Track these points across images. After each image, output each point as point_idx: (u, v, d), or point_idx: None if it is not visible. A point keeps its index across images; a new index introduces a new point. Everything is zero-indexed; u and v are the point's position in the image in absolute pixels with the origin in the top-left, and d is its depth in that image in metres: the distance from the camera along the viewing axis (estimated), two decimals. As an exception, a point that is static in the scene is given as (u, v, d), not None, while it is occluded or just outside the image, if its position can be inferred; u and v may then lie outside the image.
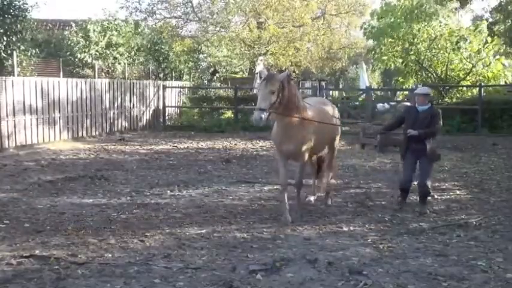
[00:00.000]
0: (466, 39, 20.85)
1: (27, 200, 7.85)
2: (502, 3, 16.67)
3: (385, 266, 5.04)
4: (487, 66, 20.82)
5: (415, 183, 7.50)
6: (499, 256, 5.37)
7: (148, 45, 21.59)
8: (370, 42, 24.63)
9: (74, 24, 20.38)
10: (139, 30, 20.99)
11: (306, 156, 6.83)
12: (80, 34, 19.28)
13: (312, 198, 7.77)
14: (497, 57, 20.96)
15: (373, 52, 24.09)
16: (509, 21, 16.48)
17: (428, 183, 7.29)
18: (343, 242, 5.85)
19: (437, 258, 5.30)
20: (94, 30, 19.07)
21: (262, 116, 6.02)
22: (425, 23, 21.19)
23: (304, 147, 6.66)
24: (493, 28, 20.64)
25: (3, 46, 14.96)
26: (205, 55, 25.65)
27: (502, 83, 21.00)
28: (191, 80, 24.27)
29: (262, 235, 6.14)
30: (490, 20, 20.24)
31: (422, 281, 4.69)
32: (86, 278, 4.75)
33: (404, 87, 23.29)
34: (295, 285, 4.62)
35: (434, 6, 20.73)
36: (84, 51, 18.70)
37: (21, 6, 15.43)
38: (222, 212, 7.26)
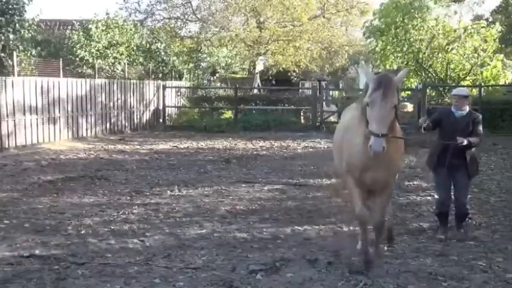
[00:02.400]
0: (461, 39, 20.85)
1: (27, 200, 7.85)
2: (503, 4, 16.71)
3: (385, 266, 5.04)
4: (487, 65, 20.81)
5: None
6: (499, 256, 5.37)
7: (148, 46, 21.59)
8: (371, 41, 24.59)
9: (76, 23, 20.39)
10: (137, 30, 20.97)
11: (393, 184, 5.25)
12: (81, 33, 19.28)
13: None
14: (497, 55, 20.94)
15: (373, 52, 24.08)
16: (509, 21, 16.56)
17: (467, 202, 6.22)
18: (343, 242, 5.85)
19: (437, 258, 5.30)
20: (96, 28, 19.08)
21: (385, 145, 4.34)
22: (421, 20, 21.17)
23: (396, 173, 5.16)
24: (492, 28, 20.62)
25: (1, 46, 14.96)
26: (205, 55, 25.66)
27: (502, 82, 21.00)
28: (191, 80, 24.26)
29: (262, 235, 6.14)
30: (490, 19, 20.22)
31: (422, 281, 4.69)
32: (86, 278, 4.75)
33: (404, 87, 23.26)
34: (295, 285, 4.62)
35: (427, 1, 20.72)
36: (85, 50, 18.70)
37: (20, 5, 15.42)
38: (222, 212, 7.26)
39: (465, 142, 5.68)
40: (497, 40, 20.45)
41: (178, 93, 21.81)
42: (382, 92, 4.35)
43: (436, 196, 6.28)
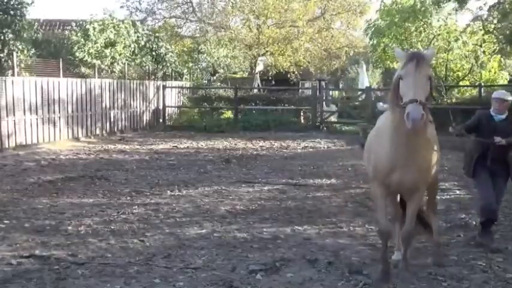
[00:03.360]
0: (460, 39, 20.85)
1: (27, 200, 7.85)
2: (500, 1, 16.69)
3: (385, 266, 5.03)
4: (485, 66, 20.83)
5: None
6: (499, 256, 5.37)
7: (147, 45, 21.58)
8: (371, 41, 24.59)
9: (74, 24, 20.38)
10: (136, 29, 20.96)
11: (424, 190, 4.85)
12: (79, 33, 19.27)
13: (398, 254, 5.18)
14: (495, 56, 20.95)
15: (373, 52, 24.08)
16: (507, 19, 16.51)
17: (499, 209, 5.89)
18: (343, 242, 5.85)
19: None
20: (93, 29, 19.08)
21: (423, 112, 3.92)
22: (422, 22, 21.20)
23: (429, 176, 4.65)
24: (490, 27, 20.62)
25: (0, 45, 14.96)
26: (205, 55, 25.66)
27: (500, 83, 21.00)
28: (191, 80, 24.26)
29: (262, 235, 6.14)
30: (488, 18, 20.20)
31: (422, 281, 4.69)
32: (86, 278, 4.75)
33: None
34: (295, 285, 4.62)
35: (429, 7, 20.74)
36: (83, 50, 18.70)
37: (19, 5, 15.42)
38: (222, 212, 7.26)
39: (503, 142, 5.43)
40: (496, 41, 20.44)
41: (180, 93, 21.81)
42: (416, 61, 4.09)
43: (481, 203, 5.75)
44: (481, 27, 20.26)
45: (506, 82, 21.09)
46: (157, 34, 23.38)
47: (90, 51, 18.64)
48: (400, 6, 21.85)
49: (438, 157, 4.70)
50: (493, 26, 17.88)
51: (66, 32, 20.43)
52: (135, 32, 20.49)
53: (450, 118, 5.99)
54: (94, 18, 19.69)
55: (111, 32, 19.40)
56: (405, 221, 4.74)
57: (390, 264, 4.84)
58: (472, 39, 20.94)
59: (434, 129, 4.78)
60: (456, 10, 19.14)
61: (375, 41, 23.39)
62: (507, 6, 16.13)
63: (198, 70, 25.12)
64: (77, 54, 18.41)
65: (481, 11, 19.88)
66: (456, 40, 20.82)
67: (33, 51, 16.44)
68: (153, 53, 21.71)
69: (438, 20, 21.18)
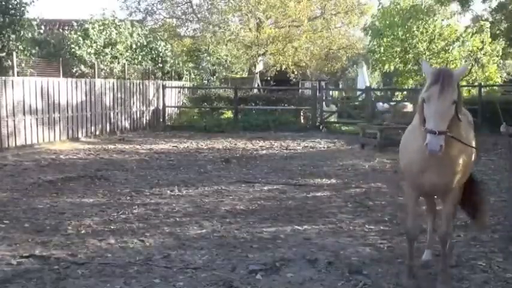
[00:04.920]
0: (462, 40, 20.88)
1: (27, 200, 7.84)
2: (503, 3, 16.71)
3: (385, 266, 5.04)
4: (485, 66, 20.85)
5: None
6: (499, 256, 5.37)
7: (146, 45, 21.58)
8: (371, 42, 24.62)
9: (75, 24, 20.38)
10: (134, 29, 20.97)
11: (459, 189, 4.69)
12: (79, 33, 19.27)
13: (428, 253, 5.22)
14: (494, 58, 20.99)
15: (373, 53, 24.11)
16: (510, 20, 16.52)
17: None
18: (343, 242, 5.85)
19: (437, 258, 5.29)
20: (93, 28, 19.08)
21: (442, 144, 3.88)
22: (423, 22, 21.21)
23: (460, 178, 4.51)
24: (492, 28, 20.66)
25: (1, 46, 14.96)
26: (205, 54, 25.66)
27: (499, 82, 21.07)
28: (191, 80, 24.27)
29: (262, 235, 6.14)
30: (490, 19, 20.23)
31: (422, 281, 4.69)
32: (86, 278, 4.75)
33: (404, 87, 23.29)
34: (295, 285, 4.62)
35: (432, 6, 20.75)
36: (83, 50, 18.69)
37: (21, 6, 15.42)
38: (222, 212, 7.26)
39: None
40: (496, 41, 20.48)
41: (181, 93, 21.82)
42: (440, 85, 3.93)
43: None
44: (482, 29, 20.29)
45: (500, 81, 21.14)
46: (156, 34, 23.39)
47: (89, 50, 18.63)
48: (399, 6, 21.89)
49: (469, 153, 4.51)
50: (496, 28, 17.92)
51: (66, 32, 20.40)
52: (132, 32, 20.48)
53: (499, 116, 5.77)
54: (94, 18, 19.71)
55: (111, 31, 19.40)
56: (441, 223, 4.64)
57: (415, 263, 4.79)
58: (473, 41, 20.96)
59: (471, 122, 4.61)
60: (460, 13, 19.18)
61: (374, 42, 23.44)
62: (510, 7, 16.16)
63: (199, 69, 25.11)
64: (77, 52, 18.40)
65: (484, 13, 19.93)
66: (456, 40, 20.86)
67: (32, 51, 16.42)
68: (153, 53, 21.70)
69: (442, 20, 21.20)
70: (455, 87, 4.01)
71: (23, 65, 15.55)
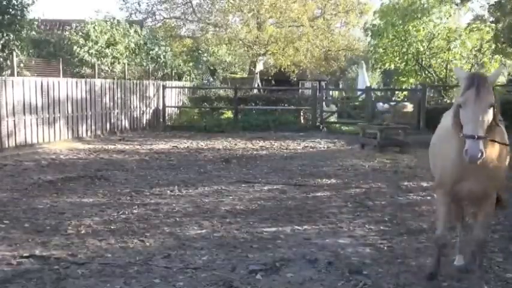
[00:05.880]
0: (458, 39, 20.86)
1: (27, 200, 7.84)
2: (502, 1, 16.68)
3: (385, 266, 5.04)
4: (485, 66, 20.83)
5: None
6: (499, 256, 5.37)
7: (146, 45, 21.59)
8: (370, 42, 24.62)
9: (74, 25, 20.40)
10: (134, 30, 20.98)
11: (494, 197, 4.47)
12: (80, 33, 19.28)
13: (461, 258, 5.04)
14: (496, 57, 20.97)
15: (373, 53, 24.10)
16: (508, 19, 16.49)
17: None
18: (343, 242, 5.85)
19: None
20: (94, 29, 19.09)
21: (483, 149, 3.75)
22: (421, 21, 21.20)
23: (500, 181, 4.41)
24: (491, 27, 20.64)
25: (1, 46, 14.96)
26: (205, 54, 25.66)
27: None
28: (191, 80, 24.27)
29: (262, 235, 6.14)
30: (490, 18, 20.23)
31: (422, 281, 4.69)
32: (86, 278, 4.75)
33: (404, 87, 23.29)
34: (295, 285, 4.62)
35: (431, 5, 20.74)
36: (83, 50, 18.71)
37: (20, 5, 15.41)
38: (222, 212, 7.26)
39: None
40: (495, 41, 20.46)
41: (181, 93, 21.83)
42: (476, 89, 3.84)
43: None
44: (481, 27, 20.28)
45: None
46: (156, 34, 23.39)
47: (90, 51, 18.65)
48: (398, 6, 21.87)
49: (505, 158, 4.37)
50: (494, 25, 17.90)
51: (66, 33, 20.41)
52: (134, 33, 20.49)
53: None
54: (95, 18, 19.73)
55: (111, 32, 19.41)
56: (476, 230, 4.52)
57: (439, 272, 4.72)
58: (472, 40, 20.93)
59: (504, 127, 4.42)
60: (457, 5, 19.13)
61: (374, 42, 23.43)
62: (509, 7, 16.13)
63: (199, 69, 25.11)
64: (78, 53, 18.41)
65: (482, 10, 19.92)
66: (455, 40, 20.84)
67: (32, 51, 16.42)
68: (153, 53, 21.71)
69: (440, 18, 21.18)
70: (490, 90, 3.91)
71: (22, 65, 15.56)
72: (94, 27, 19.05)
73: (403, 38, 21.71)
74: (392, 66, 23.65)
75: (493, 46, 19.66)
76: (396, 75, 24.83)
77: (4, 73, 14.30)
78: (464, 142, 3.81)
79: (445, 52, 21.24)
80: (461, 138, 3.91)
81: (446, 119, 4.60)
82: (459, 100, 3.97)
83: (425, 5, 21.11)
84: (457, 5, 19.25)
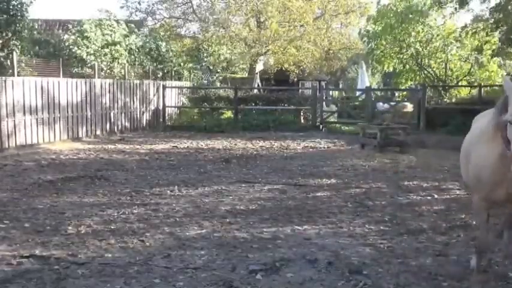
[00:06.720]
0: (458, 40, 20.87)
1: (27, 200, 7.84)
2: (502, 3, 16.67)
3: (385, 266, 5.04)
4: (484, 67, 20.85)
5: None
6: (498, 256, 5.36)
7: (146, 45, 21.59)
8: (368, 45, 24.62)
9: (74, 24, 20.40)
10: (133, 30, 20.96)
11: None
12: (77, 34, 19.28)
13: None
14: (495, 59, 20.97)
15: (371, 55, 24.10)
16: (509, 20, 16.47)
17: None
18: (343, 242, 5.85)
19: (437, 258, 5.30)
20: (91, 29, 19.07)
21: None
22: (419, 23, 21.20)
23: None
24: (491, 28, 20.63)
25: (0, 45, 14.98)
26: (205, 54, 25.64)
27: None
28: (191, 80, 24.26)
29: (262, 235, 6.14)
30: (491, 20, 20.22)
31: (422, 281, 4.69)
32: (86, 278, 4.75)
33: (403, 87, 23.30)
34: (295, 285, 4.62)
35: (429, 6, 20.74)
36: (82, 50, 18.70)
37: (20, 5, 15.43)
38: (222, 212, 7.26)
39: None
40: (496, 42, 20.46)
41: (180, 93, 21.84)
42: None
43: None
44: (481, 28, 20.27)
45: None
46: (156, 34, 23.39)
47: (89, 50, 18.64)
48: (395, 8, 21.88)
49: None
50: (495, 26, 17.91)
51: (65, 36, 20.41)
52: (134, 33, 20.49)
53: None
54: (93, 18, 19.73)
55: (110, 32, 19.41)
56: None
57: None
58: (471, 41, 20.92)
59: None
60: (456, 8, 19.15)
61: (372, 45, 23.44)
62: (510, 8, 16.15)
63: (199, 68, 25.09)
64: (77, 52, 18.40)
65: (483, 12, 19.90)
66: (451, 43, 20.85)
67: (32, 51, 16.43)
68: (153, 53, 21.71)
69: (436, 19, 21.19)
70: None
71: (22, 64, 15.56)
72: (90, 28, 19.03)
73: (401, 39, 21.71)
74: (391, 68, 23.66)
75: (494, 47, 19.67)
76: (395, 77, 24.85)
77: (6, 73, 14.30)
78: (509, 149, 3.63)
79: (444, 53, 21.24)
80: (500, 142, 3.77)
81: (481, 122, 4.49)
82: (509, 118, 3.68)
83: (422, 8, 21.12)
84: (456, 8, 19.25)
